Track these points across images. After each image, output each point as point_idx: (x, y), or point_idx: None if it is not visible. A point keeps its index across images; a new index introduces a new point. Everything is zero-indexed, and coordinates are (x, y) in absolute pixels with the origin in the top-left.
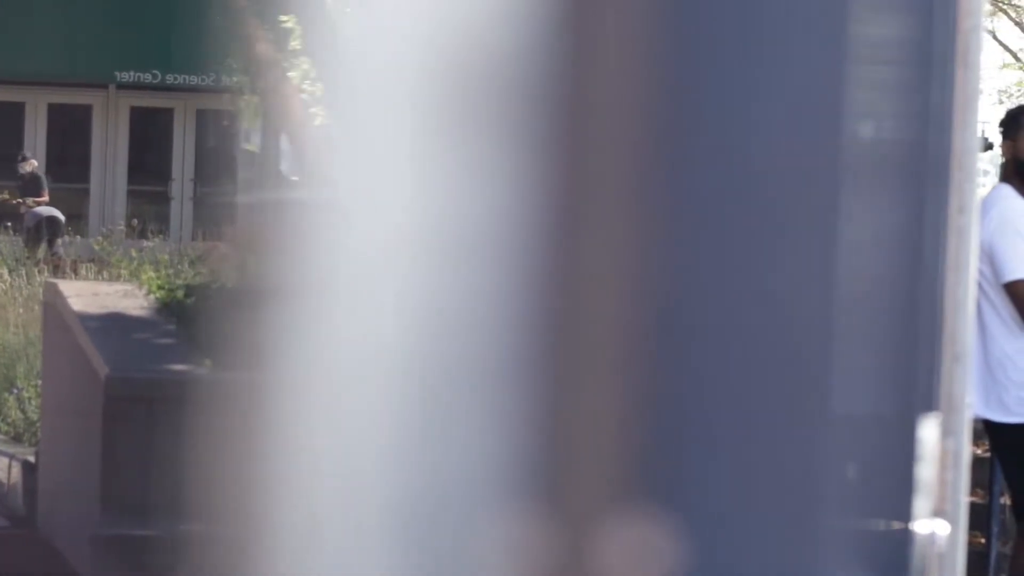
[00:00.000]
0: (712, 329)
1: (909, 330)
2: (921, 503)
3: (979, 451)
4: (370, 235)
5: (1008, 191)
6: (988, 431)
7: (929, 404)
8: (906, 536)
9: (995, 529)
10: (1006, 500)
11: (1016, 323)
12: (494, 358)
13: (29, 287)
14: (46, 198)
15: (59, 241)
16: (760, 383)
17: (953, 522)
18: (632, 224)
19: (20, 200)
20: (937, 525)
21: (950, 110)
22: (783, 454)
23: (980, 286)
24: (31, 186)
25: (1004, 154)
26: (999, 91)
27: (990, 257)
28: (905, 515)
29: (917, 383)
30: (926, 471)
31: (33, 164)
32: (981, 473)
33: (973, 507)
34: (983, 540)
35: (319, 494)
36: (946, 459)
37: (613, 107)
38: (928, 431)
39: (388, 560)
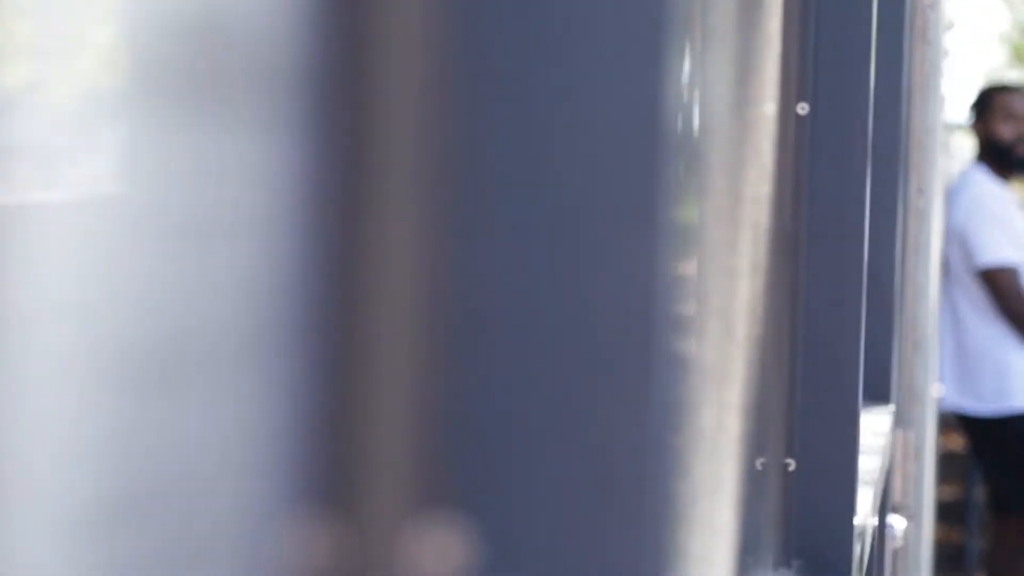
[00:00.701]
0: (516, 323)
1: (848, 319)
2: (871, 497)
3: (955, 444)
4: (94, 223)
5: (980, 173)
6: (965, 427)
7: (884, 394)
8: (849, 531)
9: (973, 524)
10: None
11: (990, 309)
12: (253, 353)
13: None
14: None
15: None
16: (572, 379)
17: (915, 516)
18: (423, 213)
19: None
20: (895, 519)
21: (899, 89)
22: (600, 453)
23: (953, 272)
24: None
25: (976, 135)
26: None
27: (963, 242)
28: (848, 510)
29: (856, 374)
30: (879, 464)
31: None
32: (958, 466)
33: (953, 500)
34: (961, 534)
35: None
36: (906, 451)
37: (397, 87)
38: (881, 422)
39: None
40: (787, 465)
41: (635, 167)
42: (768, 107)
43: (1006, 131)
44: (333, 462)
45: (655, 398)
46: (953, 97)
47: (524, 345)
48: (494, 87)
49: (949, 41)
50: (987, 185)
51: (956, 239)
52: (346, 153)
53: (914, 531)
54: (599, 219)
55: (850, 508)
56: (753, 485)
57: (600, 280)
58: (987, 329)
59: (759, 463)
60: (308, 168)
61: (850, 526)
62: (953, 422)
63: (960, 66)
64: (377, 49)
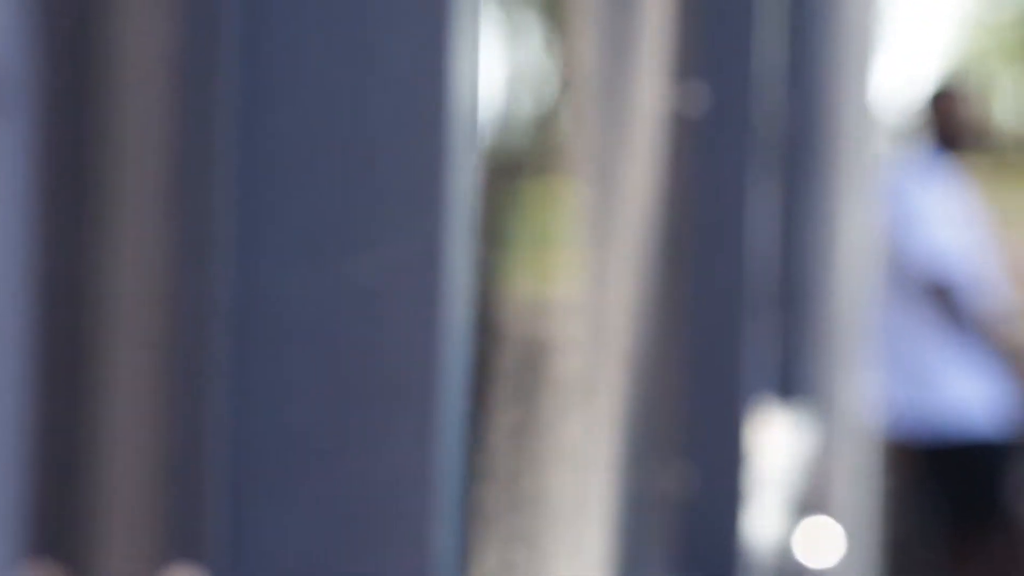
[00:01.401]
0: (275, 338)
1: (731, 320)
2: (778, 506)
3: (908, 470)
4: None
5: (922, 171)
6: (924, 459)
7: (795, 394)
8: (735, 546)
9: (927, 553)
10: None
11: (936, 320)
12: None
13: None
14: None
15: None
16: (342, 398)
17: (832, 515)
18: (162, 219)
19: None
20: (809, 522)
21: (804, 76)
22: (374, 482)
23: (897, 278)
24: None
25: (929, 126)
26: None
27: (903, 248)
28: (736, 523)
29: (739, 377)
30: (792, 469)
31: None
32: (911, 493)
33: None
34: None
35: None
36: (821, 451)
37: (140, 60)
38: (793, 425)
39: None
40: (672, 478)
41: (420, 161)
42: (643, 92)
43: (957, 124)
44: (51, 497)
45: (442, 418)
46: (896, 89)
47: (284, 363)
48: (244, 68)
49: (884, 28)
50: (930, 185)
51: (897, 243)
52: (72, 156)
53: (829, 531)
54: (376, 223)
55: (737, 521)
56: (632, 501)
57: (377, 290)
58: (937, 338)
59: (639, 476)
60: (28, 174)
61: (738, 540)
62: (904, 447)
63: (906, 56)
64: (114, 37)
